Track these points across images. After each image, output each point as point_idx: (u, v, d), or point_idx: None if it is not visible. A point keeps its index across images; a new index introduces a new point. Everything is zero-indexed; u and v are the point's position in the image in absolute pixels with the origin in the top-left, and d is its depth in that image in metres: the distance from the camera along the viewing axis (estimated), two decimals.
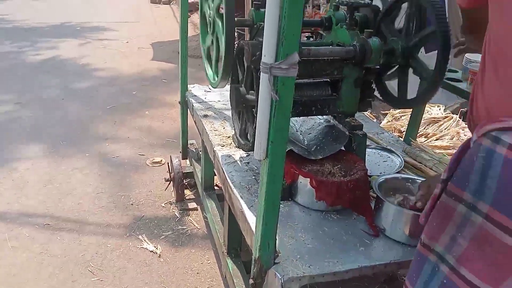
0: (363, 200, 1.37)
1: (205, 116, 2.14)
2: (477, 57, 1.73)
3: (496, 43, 0.84)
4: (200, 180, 2.40)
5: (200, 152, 2.49)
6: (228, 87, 1.69)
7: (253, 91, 1.42)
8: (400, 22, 1.53)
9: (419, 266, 0.89)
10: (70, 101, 4.25)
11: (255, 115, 1.23)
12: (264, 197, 1.06)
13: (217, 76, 1.62)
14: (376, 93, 1.62)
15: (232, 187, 1.52)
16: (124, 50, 6.26)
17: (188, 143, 2.74)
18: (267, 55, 0.92)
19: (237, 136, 1.66)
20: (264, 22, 0.92)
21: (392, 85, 1.58)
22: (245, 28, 1.73)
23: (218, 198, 2.24)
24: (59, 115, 3.91)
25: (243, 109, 1.57)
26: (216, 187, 2.38)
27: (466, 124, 3.00)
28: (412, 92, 1.51)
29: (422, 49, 1.49)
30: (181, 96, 2.57)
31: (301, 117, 1.76)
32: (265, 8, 0.92)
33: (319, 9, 5.39)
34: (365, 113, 3.35)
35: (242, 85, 1.56)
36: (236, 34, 5.39)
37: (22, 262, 2.12)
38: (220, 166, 1.69)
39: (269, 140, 1.00)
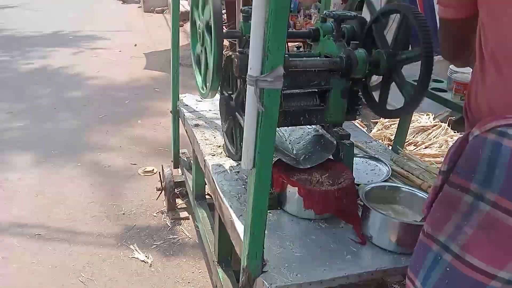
0: (351, 208, 1.40)
1: (196, 125, 2.16)
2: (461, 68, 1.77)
3: (498, 44, 0.86)
4: (191, 189, 2.41)
5: (191, 162, 2.50)
6: (218, 96, 1.71)
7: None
8: (387, 32, 1.57)
9: (422, 256, 0.91)
10: (62, 111, 4.24)
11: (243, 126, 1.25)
12: (252, 206, 1.08)
13: (206, 87, 1.64)
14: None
15: (222, 196, 1.54)
16: (117, 59, 6.27)
17: (180, 152, 2.75)
18: (253, 68, 0.95)
19: (227, 146, 1.68)
20: None
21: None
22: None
23: (209, 207, 2.25)
24: (50, 124, 3.91)
25: (232, 119, 1.60)
26: (207, 196, 2.39)
27: (455, 132, 3.05)
28: (398, 101, 1.54)
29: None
30: (172, 106, 2.59)
31: (290, 127, 1.78)
32: None
33: (311, 19, 5.45)
34: (356, 121, 3.39)
35: (232, 96, 1.59)
36: (228, 44, 5.43)
37: (13, 273, 2.11)
38: (210, 176, 1.71)
39: (256, 151, 1.02)
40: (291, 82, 1.46)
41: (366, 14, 1.70)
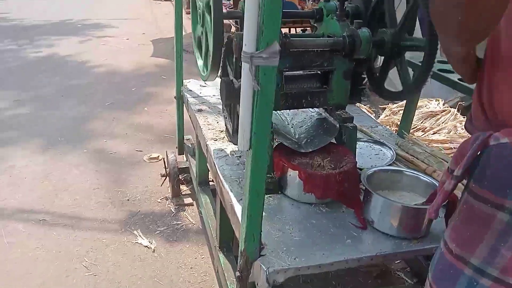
0: (352, 192, 1.36)
1: (199, 110, 2.14)
2: None
3: None
4: (195, 175, 2.40)
5: (195, 148, 2.49)
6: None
7: None
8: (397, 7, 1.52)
9: (454, 279, 0.82)
10: (69, 98, 4.25)
11: None
12: (249, 188, 1.05)
13: (207, 70, 1.62)
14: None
15: (223, 180, 1.52)
16: (124, 47, 6.26)
17: (185, 138, 2.74)
18: (248, 44, 0.92)
19: (228, 129, 1.66)
20: None
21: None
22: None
23: (213, 193, 2.24)
24: (57, 112, 3.91)
25: (233, 102, 1.57)
26: (211, 182, 2.37)
27: (464, 117, 2.98)
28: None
29: None
30: (176, 91, 2.57)
31: (292, 110, 1.75)
32: None
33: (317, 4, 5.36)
34: (363, 107, 3.34)
35: (232, 78, 1.55)
36: (235, 30, 5.38)
37: (17, 257, 2.13)
38: (212, 160, 1.69)
39: (252, 131, 0.99)
40: (292, 63, 1.42)
41: None
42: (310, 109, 1.73)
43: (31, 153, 3.15)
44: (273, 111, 1.66)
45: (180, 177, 2.67)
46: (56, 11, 8.71)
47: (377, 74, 1.60)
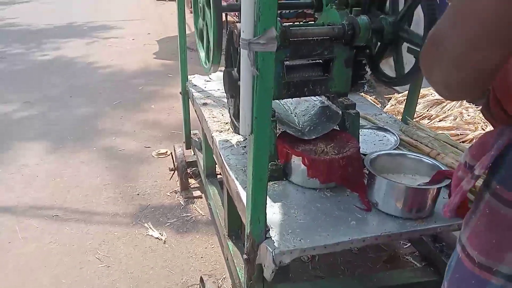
0: (356, 176, 1.39)
1: (205, 104, 2.17)
2: None
3: None
4: (202, 168, 2.44)
5: (202, 142, 2.53)
6: None
7: None
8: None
9: None
10: (77, 98, 4.32)
11: None
12: (252, 172, 1.08)
13: (209, 61, 1.65)
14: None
15: (229, 169, 1.55)
16: (130, 47, 6.32)
17: (192, 133, 2.78)
18: (246, 31, 0.94)
19: (232, 120, 1.69)
20: None
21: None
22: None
23: (220, 185, 2.28)
24: (66, 112, 3.98)
25: (236, 92, 1.60)
26: (218, 175, 2.41)
27: (470, 104, 2.98)
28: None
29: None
30: (182, 87, 2.61)
31: (295, 100, 1.77)
32: None
33: None
34: (369, 98, 3.35)
35: (235, 68, 1.58)
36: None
37: (32, 251, 2.19)
38: (218, 151, 1.72)
39: (253, 116, 1.02)
40: (293, 52, 1.45)
41: None
42: (313, 97, 1.76)
43: (42, 152, 3.22)
44: (276, 101, 1.69)
45: (188, 170, 2.71)
46: (63, 15, 8.80)
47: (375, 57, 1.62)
